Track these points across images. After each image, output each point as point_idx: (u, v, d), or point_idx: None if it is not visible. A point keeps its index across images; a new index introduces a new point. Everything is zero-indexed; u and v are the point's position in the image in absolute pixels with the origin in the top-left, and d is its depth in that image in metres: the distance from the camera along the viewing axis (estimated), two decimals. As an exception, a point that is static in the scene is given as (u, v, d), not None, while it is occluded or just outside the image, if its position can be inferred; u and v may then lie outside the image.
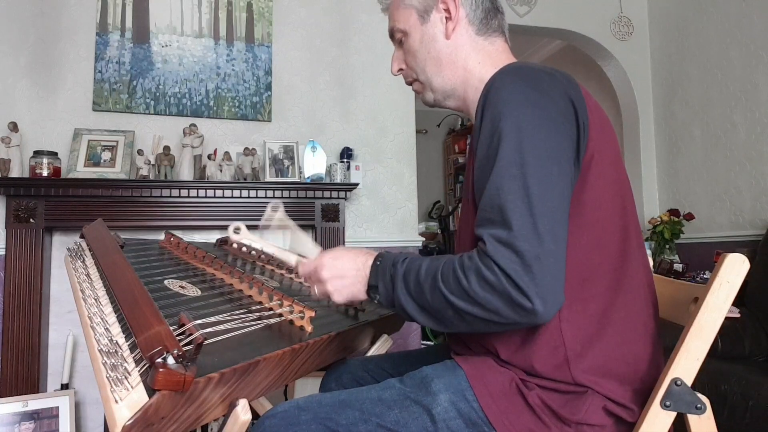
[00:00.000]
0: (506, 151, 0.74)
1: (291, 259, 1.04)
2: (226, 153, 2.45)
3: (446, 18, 0.93)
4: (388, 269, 0.82)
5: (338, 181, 2.55)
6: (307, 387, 2.00)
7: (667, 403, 0.74)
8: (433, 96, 0.99)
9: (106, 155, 2.31)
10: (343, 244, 2.56)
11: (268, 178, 2.48)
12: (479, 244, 0.73)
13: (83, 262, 1.10)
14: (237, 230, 1.11)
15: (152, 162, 2.34)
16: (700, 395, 0.75)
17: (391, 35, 1.01)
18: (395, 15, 0.98)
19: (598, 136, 0.80)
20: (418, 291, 0.78)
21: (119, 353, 0.71)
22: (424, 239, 2.90)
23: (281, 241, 1.17)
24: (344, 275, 0.87)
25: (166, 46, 2.50)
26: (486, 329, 0.76)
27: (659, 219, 2.97)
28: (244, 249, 1.39)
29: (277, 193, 2.46)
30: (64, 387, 2.16)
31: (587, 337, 0.78)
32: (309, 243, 1.06)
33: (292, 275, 1.31)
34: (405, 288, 0.79)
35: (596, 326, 0.79)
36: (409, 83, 1.02)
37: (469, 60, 0.94)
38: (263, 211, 2.68)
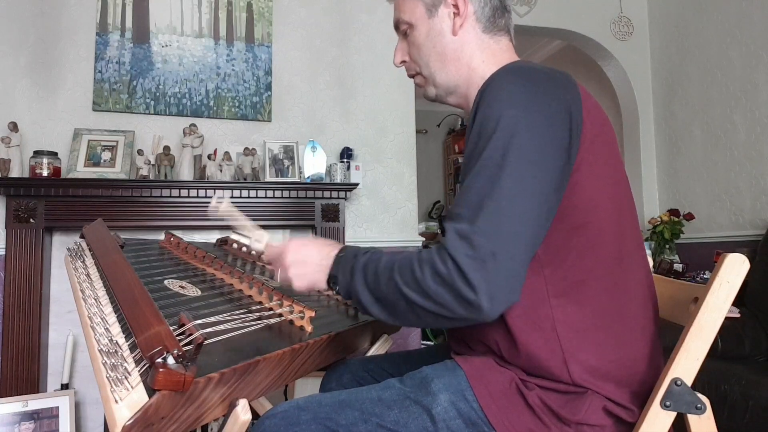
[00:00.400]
0: (490, 150, 0.74)
1: (261, 242, 1.05)
2: (226, 153, 2.45)
3: (454, 14, 0.93)
4: (349, 260, 0.84)
5: (338, 181, 2.55)
6: (307, 387, 2.00)
7: (667, 403, 0.74)
8: (435, 91, 0.98)
9: (106, 155, 2.31)
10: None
11: (268, 178, 2.48)
12: (440, 237, 0.74)
13: (83, 262, 1.10)
14: (220, 201, 1.12)
15: (152, 162, 2.34)
16: (700, 395, 0.75)
17: (396, 26, 0.99)
18: (402, 6, 0.97)
19: (594, 139, 0.79)
20: (374, 282, 0.79)
21: (119, 353, 0.71)
22: (424, 239, 2.90)
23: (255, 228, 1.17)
24: (307, 262, 0.88)
25: (166, 46, 2.50)
26: (435, 324, 0.77)
27: (659, 219, 2.97)
28: (244, 249, 1.39)
29: (277, 193, 2.46)
30: (64, 387, 2.16)
31: (583, 340, 0.78)
32: (260, 233, 1.08)
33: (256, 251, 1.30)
34: (363, 279, 0.80)
35: (592, 328, 0.79)
36: (411, 76, 1.01)
37: (473, 58, 0.93)
38: (263, 211, 2.68)
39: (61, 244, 2.30)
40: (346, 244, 0.90)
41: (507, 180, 0.71)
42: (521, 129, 0.74)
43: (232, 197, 2.40)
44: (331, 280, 0.86)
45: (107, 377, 0.66)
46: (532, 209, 0.72)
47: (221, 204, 1.15)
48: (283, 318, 0.97)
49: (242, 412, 0.75)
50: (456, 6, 0.92)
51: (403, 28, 0.98)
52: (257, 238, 1.07)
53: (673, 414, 0.74)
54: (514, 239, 0.70)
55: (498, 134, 0.74)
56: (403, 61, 1.00)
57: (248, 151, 2.47)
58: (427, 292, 0.71)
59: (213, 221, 2.37)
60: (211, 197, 2.37)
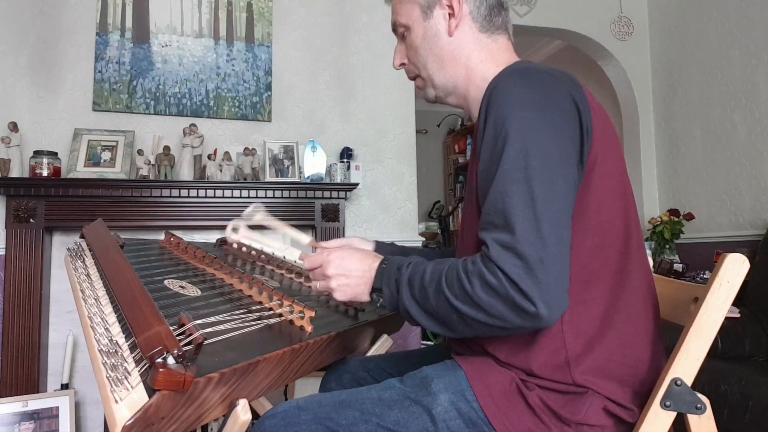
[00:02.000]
0: (510, 155, 0.73)
1: (294, 254, 1.04)
2: (226, 153, 2.45)
3: (449, 15, 0.92)
4: (393, 273, 0.83)
5: (338, 181, 2.55)
6: (307, 387, 2.00)
7: (667, 403, 0.74)
8: (434, 93, 0.98)
9: (106, 155, 2.31)
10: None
11: (268, 178, 2.48)
12: (483, 248, 0.73)
13: (83, 262, 1.10)
14: (235, 229, 1.11)
15: (152, 162, 2.34)
16: (700, 395, 0.75)
17: (394, 29, 1.00)
18: (398, 9, 0.97)
19: (602, 138, 0.79)
20: (422, 295, 0.78)
21: (119, 353, 0.71)
22: (424, 239, 2.90)
23: (279, 239, 1.17)
24: (350, 275, 0.88)
25: (166, 46, 2.50)
26: (490, 333, 0.76)
27: (659, 219, 2.97)
28: (244, 249, 1.39)
29: (277, 193, 2.46)
30: (64, 387, 2.16)
31: (588, 340, 0.78)
32: (300, 236, 1.07)
33: (292, 275, 1.31)
34: (410, 292, 0.79)
35: (597, 328, 0.78)
36: (412, 78, 1.01)
37: (471, 58, 0.93)
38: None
39: (61, 244, 2.30)
40: (387, 256, 0.88)
41: (536, 183, 0.71)
42: (538, 130, 0.74)
43: (232, 197, 2.40)
44: (375, 292, 0.85)
45: (107, 377, 0.66)
46: (567, 209, 0.73)
47: (258, 213, 1.14)
48: (283, 318, 0.97)
49: (242, 412, 0.75)
50: (451, 6, 0.92)
51: (400, 31, 0.98)
52: (293, 241, 1.05)
53: (673, 414, 0.74)
54: (556, 242, 0.70)
55: (514, 136, 0.74)
56: (402, 64, 1.00)
57: (248, 151, 2.47)
58: (480, 305, 0.71)
59: (213, 221, 2.38)
60: (211, 197, 2.37)
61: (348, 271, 0.88)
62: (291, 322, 0.97)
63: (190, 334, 0.71)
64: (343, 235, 2.57)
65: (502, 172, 0.73)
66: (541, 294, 0.67)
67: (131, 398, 0.63)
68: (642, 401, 0.78)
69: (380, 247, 1.15)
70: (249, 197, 2.42)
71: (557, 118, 0.75)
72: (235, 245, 1.43)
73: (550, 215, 0.70)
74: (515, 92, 0.77)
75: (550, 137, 0.74)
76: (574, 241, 0.76)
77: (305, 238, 1.08)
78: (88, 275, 1.03)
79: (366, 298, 0.87)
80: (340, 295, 0.89)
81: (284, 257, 1.12)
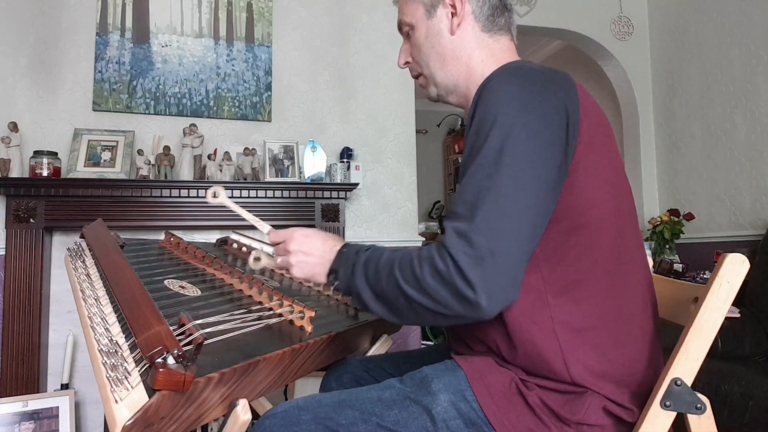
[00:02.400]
0: (487, 150, 0.74)
1: (264, 227, 1.05)
2: (226, 153, 2.45)
3: (452, 14, 0.93)
4: (351, 256, 0.85)
5: (338, 181, 2.55)
6: (307, 387, 2.00)
7: (667, 403, 0.74)
8: (436, 91, 0.99)
9: (106, 155, 2.31)
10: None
11: (268, 178, 2.48)
12: (440, 236, 0.74)
13: (83, 262, 1.10)
14: (215, 195, 1.11)
15: (152, 162, 2.34)
16: (700, 395, 0.75)
17: (399, 28, 1.01)
18: (404, 8, 0.99)
19: (592, 139, 0.79)
20: (375, 278, 0.79)
21: (119, 353, 0.71)
22: (424, 239, 2.90)
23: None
24: (310, 253, 0.90)
25: (166, 46, 2.50)
26: (434, 321, 0.77)
27: (659, 219, 2.97)
28: (244, 249, 1.39)
29: (277, 193, 2.46)
30: (64, 387, 2.16)
31: (582, 339, 0.78)
32: (260, 224, 1.08)
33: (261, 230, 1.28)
34: (364, 275, 0.81)
35: (591, 328, 0.79)
36: (415, 77, 1.02)
37: (472, 57, 0.94)
38: (263, 211, 2.68)
39: (61, 244, 2.30)
40: (349, 241, 0.91)
41: (504, 179, 0.72)
42: (517, 128, 0.74)
43: (232, 197, 2.39)
44: (332, 274, 0.87)
45: (107, 377, 0.66)
46: (529, 208, 0.73)
47: (218, 196, 1.14)
48: (283, 318, 0.97)
49: (242, 412, 0.75)
50: (453, 6, 0.93)
51: (405, 30, 1.00)
52: (259, 224, 1.07)
53: (673, 414, 0.74)
54: (512, 237, 0.70)
55: (494, 133, 0.74)
56: (407, 62, 1.02)
57: (248, 151, 2.47)
58: (426, 289, 0.72)
59: (213, 221, 2.38)
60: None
61: (309, 249, 0.90)
62: (291, 322, 0.97)
63: (190, 334, 0.71)
64: (343, 236, 2.57)
65: (476, 166, 0.75)
66: (486, 284, 0.68)
67: (131, 398, 0.63)
68: (641, 401, 0.78)
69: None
70: (249, 197, 2.42)
71: (539, 118, 0.75)
72: (235, 245, 1.43)
73: (511, 211, 0.71)
74: (503, 90, 0.78)
75: (528, 136, 0.74)
76: (559, 240, 0.77)
77: (265, 227, 1.08)
78: (88, 275, 1.03)
79: (322, 279, 0.89)
80: (297, 271, 0.91)
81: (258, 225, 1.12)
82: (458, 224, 0.72)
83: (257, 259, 1.03)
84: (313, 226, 2.53)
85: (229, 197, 2.44)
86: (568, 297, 0.78)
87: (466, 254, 0.69)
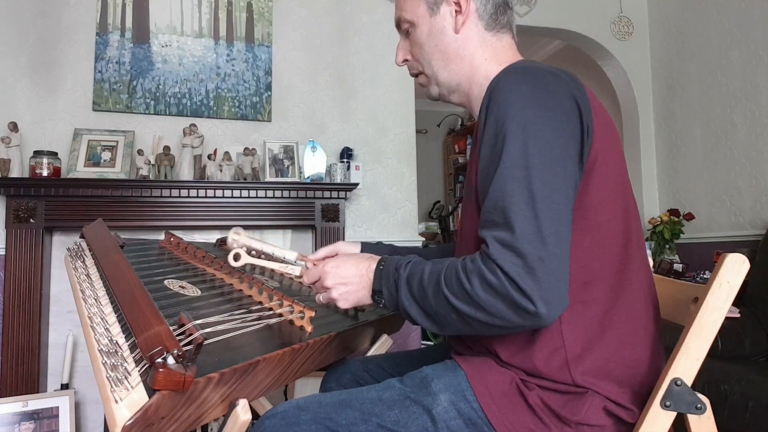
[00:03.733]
0: (510, 153, 0.73)
1: (295, 269, 1.05)
2: (226, 153, 2.45)
3: (456, 12, 0.92)
4: (391, 274, 0.82)
5: (338, 181, 2.55)
6: (307, 387, 2.00)
7: (667, 403, 0.74)
8: (437, 90, 0.98)
9: (106, 155, 2.31)
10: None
11: (268, 178, 2.48)
12: (482, 247, 0.73)
13: (83, 262, 1.10)
14: (236, 258, 1.10)
15: (152, 162, 2.33)
16: (700, 395, 0.75)
17: (398, 25, 0.99)
18: (403, 5, 0.96)
19: (602, 138, 0.79)
20: (421, 295, 0.77)
21: (119, 353, 0.71)
22: (424, 239, 2.90)
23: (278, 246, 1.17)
24: (348, 282, 0.88)
25: (166, 46, 2.50)
26: (489, 333, 0.76)
27: (659, 219, 2.97)
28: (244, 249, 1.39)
29: (277, 193, 2.46)
30: (64, 387, 2.16)
31: (587, 340, 0.78)
32: (286, 252, 1.08)
33: (293, 275, 1.31)
34: (408, 292, 0.79)
35: (597, 329, 0.78)
36: (414, 75, 1.01)
37: (476, 56, 0.93)
38: (263, 211, 2.67)
39: (61, 244, 2.30)
40: (382, 256, 0.89)
41: (536, 181, 0.71)
42: (539, 127, 0.73)
43: (232, 197, 2.40)
44: (376, 294, 0.85)
45: (107, 377, 0.66)
46: (566, 207, 0.72)
47: (239, 236, 1.14)
48: (283, 318, 0.97)
49: (242, 412, 0.75)
50: (458, 3, 0.92)
51: (404, 27, 0.98)
52: (287, 260, 1.07)
53: (673, 414, 0.74)
54: (557, 241, 0.69)
55: (515, 135, 0.73)
56: (405, 60, 1.00)
57: (248, 151, 2.47)
58: (479, 303, 0.70)
59: (213, 221, 2.38)
60: (211, 197, 2.37)
61: (345, 278, 0.88)
62: (291, 322, 0.97)
63: (190, 334, 0.71)
64: (343, 235, 2.57)
65: (502, 170, 0.73)
66: (541, 293, 0.67)
67: (131, 398, 0.63)
68: (642, 401, 0.78)
69: (366, 247, 1.15)
70: (249, 197, 2.42)
71: (558, 117, 0.75)
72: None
73: (549, 213, 0.70)
74: (516, 90, 0.77)
75: (550, 135, 0.73)
76: (574, 241, 0.75)
77: (291, 254, 1.08)
78: (88, 275, 1.03)
79: (368, 300, 0.87)
80: (343, 304, 0.89)
81: (284, 257, 1.13)
82: (499, 234, 0.70)
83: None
84: (313, 227, 2.53)
85: (230, 197, 2.45)
86: (576, 298, 0.77)
87: (515, 264, 0.68)
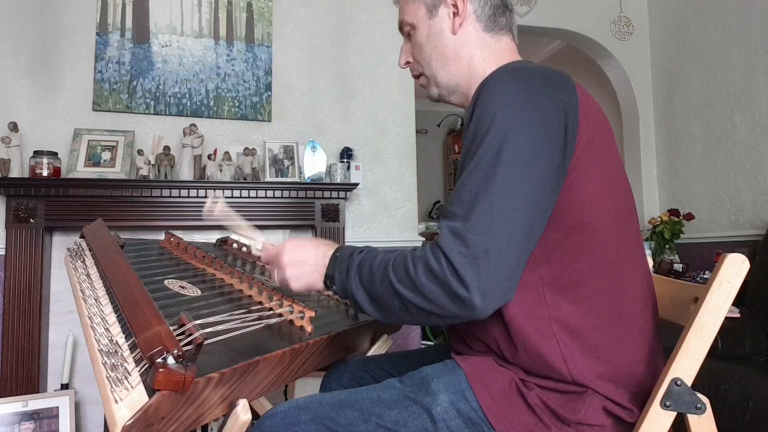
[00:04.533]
0: (484, 150, 0.74)
1: (257, 243, 1.05)
2: (226, 153, 2.45)
3: (453, 13, 0.93)
4: (345, 259, 0.84)
5: (338, 181, 2.55)
6: (307, 387, 2.00)
7: (667, 403, 0.74)
8: (437, 91, 0.99)
9: (106, 155, 2.31)
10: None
11: (268, 178, 2.48)
12: (435, 236, 0.74)
13: (83, 262, 1.10)
14: (215, 202, 1.11)
15: (152, 162, 2.34)
16: (700, 395, 0.75)
17: (400, 28, 1.01)
18: (405, 8, 0.98)
19: (591, 140, 0.79)
20: (369, 280, 0.79)
21: (119, 353, 0.71)
22: (424, 239, 2.90)
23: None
24: (304, 263, 0.89)
25: (166, 46, 2.50)
26: (427, 321, 0.77)
27: (659, 219, 2.97)
28: (244, 249, 1.39)
29: (277, 193, 2.46)
30: (64, 387, 2.16)
31: (580, 339, 0.78)
32: (257, 233, 1.08)
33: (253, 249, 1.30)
34: (358, 277, 0.80)
35: (589, 328, 0.78)
36: (416, 77, 1.02)
37: (474, 56, 0.94)
38: (263, 211, 2.67)
39: (61, 244, 2.30)
40: (345, 243, 0.90)
41: (500, 178, 0.72)
42: (515, 128, 0.74)
43: (232, 197, 2.40)
44: (328, 279, 0.86)
45: (107, 377, 0.66)
46: (525, 208, 0.72)
47: (216, 205, 1.15)
48: (283, 318, 0.97)
49: (242, 412, 0.75)
50: (455, 5, 0.93)
51: (406, 30, 0.99)
52: (254, 239, 1.07)
53: (673, 414, 0.74)
54: (507, 237, 0.70)
55: (492, 133, 0.74)
56: (408, 62, 1.01)
57: (248, 151, 2.47)
58: (420, 289, 0.72)
59: (213, 221, 2.38)
60: (210, 197, 2.37)
61: (302, 258, 0.89)
62: (291, 322, 0.97)
63: (190, 334, 0.71)
64: (343, 235, 2.57)
65: (473, 165, 0.75)
66: (480, 284, 0.68)
67: (131, 398, 0.63)
68: (641, 401, 0.78)
69: None
70: (249, 197, 2.42)
71: (538, 119, 0.75)
72: (235, 245, 1.43)
73: (506, 210, 0.71)
74: (501, 90, 0.77)
75: (526, 136, 0.74)
76: (557, 239, 0.77)
77: (258, 242, 1.08)
78: (88, 275, 1.03)
79: (320, 285, 0.88)
80: (295, 284, 0.89)
81: (253, 237, 1.13)
82: (453, 223, 0.72)
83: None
84: (313, 227, 2.53)
85: (230, 197, 2.44)
86: (566, 297, 0.78)
87: (460, 253, 0.69)
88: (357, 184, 2.57)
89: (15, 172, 2.18)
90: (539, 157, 0.74)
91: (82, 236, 1.25)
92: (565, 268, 0.78)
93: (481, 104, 0.78)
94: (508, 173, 0.72)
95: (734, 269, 0.73)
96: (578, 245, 0.78)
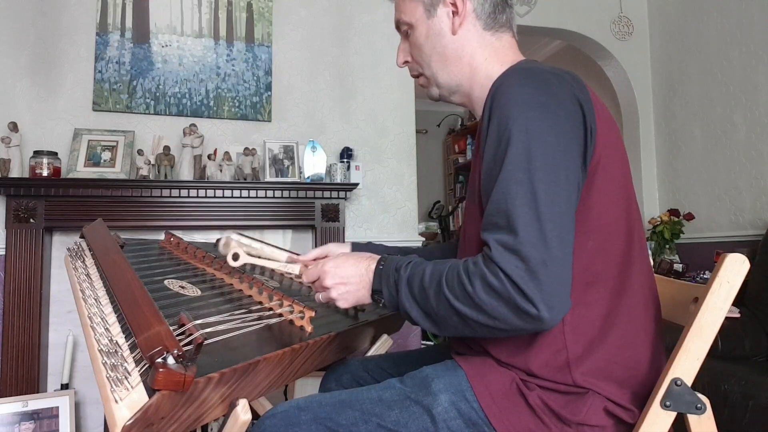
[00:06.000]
0: (514, 155, 0.73)
1: (288, 267, 1.04)
2: (226, 153, 2.45)
3: (453, 12, 0.92)
4: (391, 274, 0.82)
5: (338, 181, 2.55)
6: (307, 387, 2.00)
7: (668, 403, 0.74)
8: (438, 91, 0.98)
9: (106, 155, 2.31)
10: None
11: (268, 178, 2.48)
12: (485, 249, 0.72)
13: (83, 262, 1.10)
14: (236, 258, 1.07)
15: (152, 162, 2.34)
16: (700, 395, 0.75)
17: (397, 27, 0.99)
18: (401, 6, 0.96)
19: (605, 139, 0.79)
20: (422, 296, 0.77)
21: (119, 353, 0.71)
22: (424, 239, 2.90)
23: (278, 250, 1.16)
24: (348, 282, 0.87)
25: (166, 46, 2.50)
26: (491, 335, 0.76)
27: (659, 219, 2.97)
28: (244, 249, 1.38)
29: (277, 193, 2.46)
30: (64, 387, 2.16)
31: (589, 341, 0.78)
32: (276, 253, 1.07)
33: (292, 275, 1.31)
34: (409, 293, 0.79)
35: (598, 330, 0.78)
36: (415, 76, 1.01)
37: (475, 56, 0.92)
38: (263, 211, 2.67)
39: (61, 244, 2.30)
40: (381, 255, 0.88)
41: (539, 185, 0.71)
42: (542, 130, 0.73)
43: (232, 197, 2.40)
44: (376, 294, 0.85)
45: (107, 377, 0.66)
46: (568, 210, 0.72)
47: (230, 242, 1.14)
48: (283, 318, 0.97)
49: (242, 412, 0.75)
50: (455, 5, 0.91)
51: (403, 29, 0.98)
52: (280, 260, 1.06)
53: (673, 414, 0.74)
54: (558, 244, 0.69)
55: (518, 137, 0.73)
56: (406, 62, 1.00)
57: (248, 151, 2.47)
58: (481, 306, 0.70)
59: (213, 221, 2.38)
60: (211, 197, 2.37)
61: (345, 278, 0.87)
62: (291, 322, 0.97)
63: (190, 334, 0.71)
64: (343, 235, 2.57)
65: (505, 173, 0.73)
66: (543, 296, 0.67)
67: (131, 398, 0.63)
68: (642, 402, 0.78)
69: (357, 247, 1.15)
70: (249, 197, 2.42)
71: (561, 119, 0.75)
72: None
73: (552, 216, 0.70)
74: (519, 92, 0.76)
75: (553, 138, 0.73)
76: (577, 243, 0.75)
77: (282, 255, 1.08)
78: (88, 275, 1.03)
79: (368, 300, 0.87)
80: (343, 303, 0.88)
81: (274, 258, 1.12)
82: (502, 237, 0.70)
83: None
84: (313, 227, 2.53)
85: (230, 197, 2.44)
86: (578, 299, 0.77)
87: (518, 268, 0.68)
88: (357, 184, 2.57)
89: (15, 172, 2.18)
90: (568, 157, 0.74)
91: (82, 236, 1.25)
92: (580, 271, 0.77)
93: (498, 108, 0.77)
94: (545, 178, 0.71)
95: (734, 269, 0.73)
96: (594, 248, 0.78)
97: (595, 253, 0.78)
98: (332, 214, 2.55)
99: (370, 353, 1.22)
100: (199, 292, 1.02)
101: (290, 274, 1.05)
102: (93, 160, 2.29)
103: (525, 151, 0.72)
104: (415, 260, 0.82)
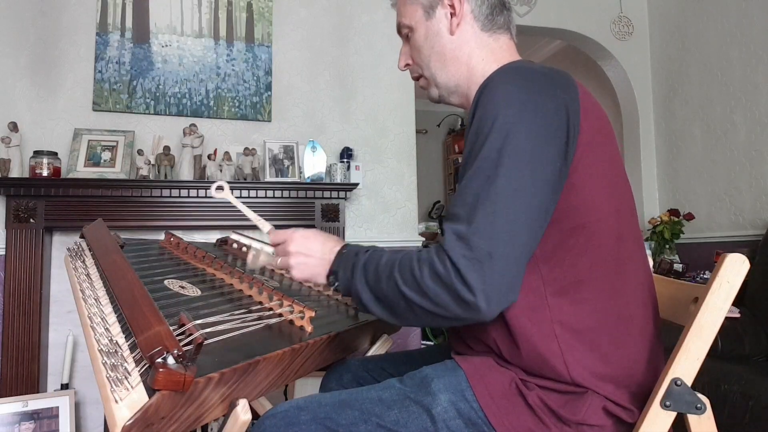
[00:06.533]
0: (486, 151, 0.74)
1: (265, 227, 1.06)
2: (226, 153, 2.45)
3: (450, 14, 0.93)
4: (351, 258, 0.85)
5: (338, 181, 2.55)
6: (307, 387, 2.00)
7: (667, 403, 0.74)
8: (437, 92, 0.99)
9: (106, 155, 2.31)
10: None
11: (268, 178, 2.48)
12: (439, 238, 0.74)
13: (83, 262, 1.10)
14: (220, 188, 1.13)
15: (152, 162, 2.34)
16: (700, 395, 0.75)
17: (399, 30, 1.01)
18: (402, 10, 0.99)
19: (592, 139, 0.79)
20: (375, 280, 0.80)
21: (119, 353, 0.71)
22: (424, 239, 2.90)
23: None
24: (310, 255, 0.90)
25: (166, 46, 2.50)
26: (433, 323, 0.78)
27: (659, 219, 2.97)
28: (244, 249, 1.39)
29: (277, 193, 2.46)
30: (64, 387, 2.16)
31: (581, 340, 0.78)
32: (259, 220, 1.10)
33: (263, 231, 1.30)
34: (363, 277, 0.81)
35: (590, 329, 0.78)
36: (416, 78, 1.02)
37: (472, 57, 0.94)
38: (263, 211, 2.67)
39: (61, 244, 2.30)
40: (350, 242, 0.91)
41: (502, 180, 0.72)
42: (517, 129, 0.74)
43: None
44: (332, 275, 0.88)
45: (107, 377, 0.66)
46: (528, 209, 0.73)
47: (224, 189, 1.17)
48: (283, 318, 0.97)
49: (242, 412, 0.75)
50: (452, 6, 0.93)
51: (404, 32, 1.00)
52: (261, 223, 1.09)
53: (673, 414, 0.74)
54: (510, 239, 0.71)
55: (494, 134, 0.74)
56: (408, 65, 1.02)
57: (248, 151, 2.47)
58: (426, 292, 0.72)
59: (213, 221, 2.38)
60: (211, 197, 2.37)
61: (309, 250, 0.91)
62: (291, 322, 0.97)
63: (190, 334, 0.71)
64: (343, 236, 2.57)
65: (475, 167, 0.75)
66: (484, 287, 0.69)
67: (131, 398, 0.63)
68: (641, 401, 0.78)
69: None
70: (249, 197, 2.42)
71: (539, 119, 0.75)
72: (235, 245, 1.43)
73: (509, 212, 0.71)
74: (502, 90, 0.77)
75: (527, 137, 0.74)
76: (558, 240, 0.77)
77: (266, 226, 1.09)
78: (88, 275, 1.03)
79: (322, 279, 0.90)
80: (297, 273, 0.91)
81: (259, 222, 1.13)
82: (457, 226, 0.73)
83: (256, 256, 1.04)
84: (313, 226, 2.53)
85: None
86: (567, 298, 0.78)
87: (464, 257, 0.70)
88: (357, 184, 2.57)
89: (15, 172, 2.18)
90: (541, 157, 0.74)
91: (82, 236, 1.25)
92: (566, 269, 0.78)
93: (482, 105, 0.78)
94: (510, 175, 0.72)
95: (734, 269, 0.73)
96: (579, 246, 0.78)
97: (581, 251, 0.78)
98: (332, 214, 2.55)
99: (370, 353, 1.22)
100: (199, 292, 1.02)
101: (261, 229, 1.06)
102: (93, 160, 2.29)
103: (498, 147, 0.74)
104: (376, 248, 0.85)
